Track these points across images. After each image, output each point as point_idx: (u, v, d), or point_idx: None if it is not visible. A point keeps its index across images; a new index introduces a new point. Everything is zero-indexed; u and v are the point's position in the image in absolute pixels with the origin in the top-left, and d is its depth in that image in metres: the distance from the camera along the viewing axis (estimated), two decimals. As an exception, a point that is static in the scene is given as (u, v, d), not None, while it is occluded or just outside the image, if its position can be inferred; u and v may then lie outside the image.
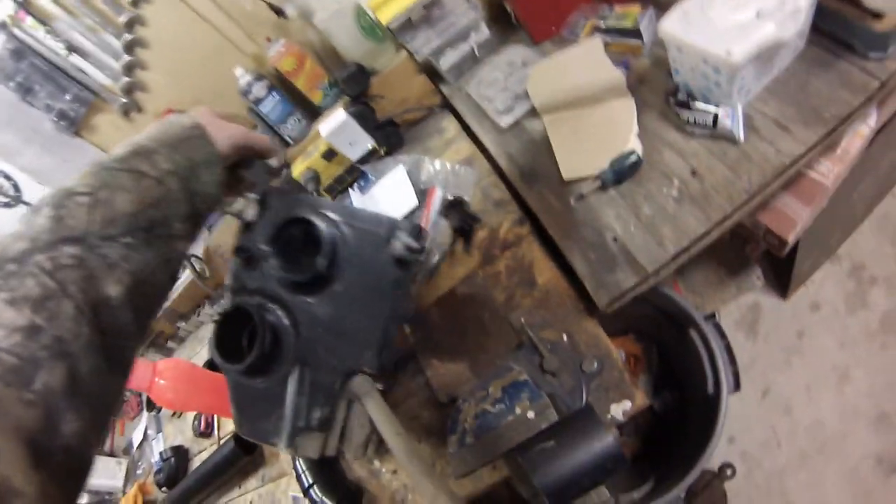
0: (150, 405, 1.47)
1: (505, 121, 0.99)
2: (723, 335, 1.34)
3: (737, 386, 1.37)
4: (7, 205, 1.37)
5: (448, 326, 0.68)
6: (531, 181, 0.91)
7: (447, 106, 1.17)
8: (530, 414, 0.54)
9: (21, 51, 1.17)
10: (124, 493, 1.44)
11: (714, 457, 1.06)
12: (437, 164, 1.02)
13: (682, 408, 1.33)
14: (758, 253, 1.47)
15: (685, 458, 1.12)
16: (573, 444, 0.49)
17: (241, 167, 0.60)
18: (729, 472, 1.29)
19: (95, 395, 0.39)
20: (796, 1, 0.67)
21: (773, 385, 1.53)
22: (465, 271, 0.88)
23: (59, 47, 1.17)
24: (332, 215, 0.57)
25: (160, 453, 1.32)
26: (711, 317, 1.53)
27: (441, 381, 0.61)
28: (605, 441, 0.49)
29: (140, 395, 1.64)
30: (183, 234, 0.49)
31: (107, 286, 0.40)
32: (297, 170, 1.08)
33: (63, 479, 0.35)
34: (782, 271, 1.51)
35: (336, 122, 1.03)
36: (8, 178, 1.34)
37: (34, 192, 1.35)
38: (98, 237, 0.41)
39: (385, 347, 0.54)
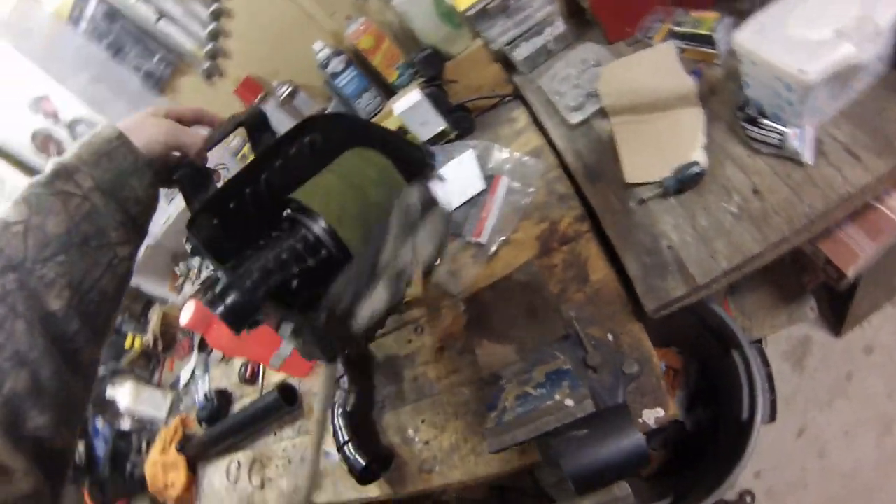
0: (202, 347, 1.55)
1: (575, 118, 1.00)
2: (766, 363, 1.32)
3: (772, 416, 1.34)
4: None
5: (501, 309, 0.70)
6: (595, 180, 0.92)
7: (518, 96, 1.18)
8: (568, 402, 0.55)
9: (113, 13, 1.26)
10: (167, 423, 1.54)
11: (737, 486, 1.05)
12: (506, 152, 1.04)
13: (714, 428, 1.32)
14: (815, 283, 1.42)
15: (708, 480, 1.12)
16: (604, 436, 0.51)
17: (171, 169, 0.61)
18: (749, 499, 1.27)
19: (58, 393, 0.45)
20: (878, 22, 0.65)
21: (811, 424, 1.47)
22: (525, 258, 0.90)
23: (150, 13, 1.25)
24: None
25: (205, 393, 1.40)
26: (758, 342, 1.50)
27: (488, 359, 0.64)
28: (634, 438, 0.51)
29: (192, 336, 1.74)
30: (122, 240, 0.53)
31: (49, 302, 0.46)
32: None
33: (42, 463, 0.43)
34: (838, 306, 1.45)
35: (410, 102, 1.06)
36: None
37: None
38: (33, 261, 0.46)
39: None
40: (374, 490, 0.89)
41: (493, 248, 0.94)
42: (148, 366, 1.73)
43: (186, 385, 1.58)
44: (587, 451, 0.50)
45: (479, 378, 0.78)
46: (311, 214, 0.57)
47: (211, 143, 0.64)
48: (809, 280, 1.41)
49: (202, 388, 1.50)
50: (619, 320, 0.79)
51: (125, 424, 1.59)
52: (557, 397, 0.57)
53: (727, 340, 1.20)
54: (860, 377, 1.46)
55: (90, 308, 0.50)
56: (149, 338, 1.67)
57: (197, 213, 0.58)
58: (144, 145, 0.55)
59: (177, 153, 0.60)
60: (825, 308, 1.50)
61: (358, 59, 1.26)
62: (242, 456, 1.23)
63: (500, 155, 1.04)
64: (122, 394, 1.54)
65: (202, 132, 0.66)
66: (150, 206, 0.57)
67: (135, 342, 1.69)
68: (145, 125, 0.57)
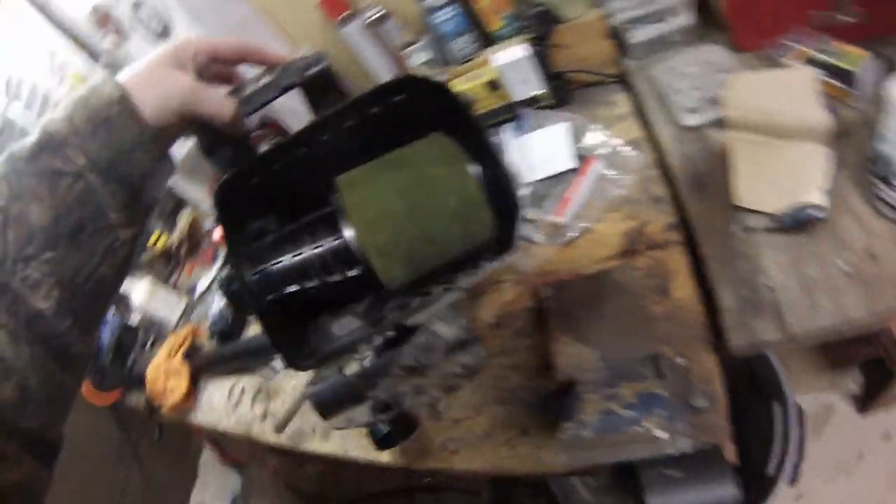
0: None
1: (689, 120, 0.92)
2: (803, 424, 1.26)
3: (794, 479, 1.29)
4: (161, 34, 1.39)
5: (591, 307, 0.64)
6: (699, 191, 0.84)
7: (622, 81, 1.09)
8: (660, 433, 0.50)
9: None
10: (176, 328, 1.50)
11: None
12: (603, 135, 0.96)
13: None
14: (866, 356, 1.36)
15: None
16: (699, 482, 0.45)
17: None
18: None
19: (49, 396, 0.41)
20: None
21: (810, 494, 1.43)
22: (605, 252, 0.83)
23: None
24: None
25: (220, 309, 1.35)
26: (794, 401, 1.44)
27: (566, 359, 0.59)
28: (727, 491, 0.46)
29: (217, 247, 1.69)
30: (124, 222, 0.44)
31: (35, 303, 0.39)
32: (455, 89, 1.04)
33: (34, 451, 0.39)
34: (874, 385, 1.40)
35: (514, 56, 0.98)
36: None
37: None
38: (14, 261, 0.38)
39: None
40: (385, 456, 0.84)
41: (573, 234, 0.87)
42: (167, 266, 1.69)
43: (203, 295, 1.54)
44: (678, 494, 0.44)
45: (537, 369, 0.73)
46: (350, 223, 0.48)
47: (248, 110, 0.51)
48: (862, 352, 1.35)
49: (218, 302, 1.45)
50: (693, 347, 0.72)
51: (134, 319, 1.56)
52: (648, 425, 0.51)
53: (770, 390, 1.14)
54: (870, 459, 1.43)
55: (85, 301, 0.43)
56: (174, 239, 1.63)
57: (223, 184, 0.50)
58: (153, 111, 0.44)
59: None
60: (861, 382, 1.45)
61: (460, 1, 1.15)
62: (248, 381, 1.19)
63: (596, 137, 0.97)
64: (138, 290, 1.51)
65: (252, 72, 0.53)
66: (162, 176, 0.48)
67: (159, 240, 1.65)
68: (159, 80, 0.45)
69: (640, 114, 1.01)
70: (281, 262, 0.52)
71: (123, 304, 1.58)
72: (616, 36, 1.09)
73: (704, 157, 0.88)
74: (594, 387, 0.59)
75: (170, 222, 1.68)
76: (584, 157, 0.94)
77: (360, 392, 0.58)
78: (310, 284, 0.53)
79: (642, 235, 0.83)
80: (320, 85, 0.51)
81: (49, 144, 0.40)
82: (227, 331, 1.29)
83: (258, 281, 0.52)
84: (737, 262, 0.76)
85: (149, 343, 1.58)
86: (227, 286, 0.55)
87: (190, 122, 0.48)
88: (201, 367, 1.31)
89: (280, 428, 0.85)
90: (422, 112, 0.51)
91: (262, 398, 1.12)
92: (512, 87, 1.02)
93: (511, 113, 1.07)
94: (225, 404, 1.21)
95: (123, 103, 0.42)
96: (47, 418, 0.41)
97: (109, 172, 0.42)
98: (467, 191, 0.47)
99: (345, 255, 0.50)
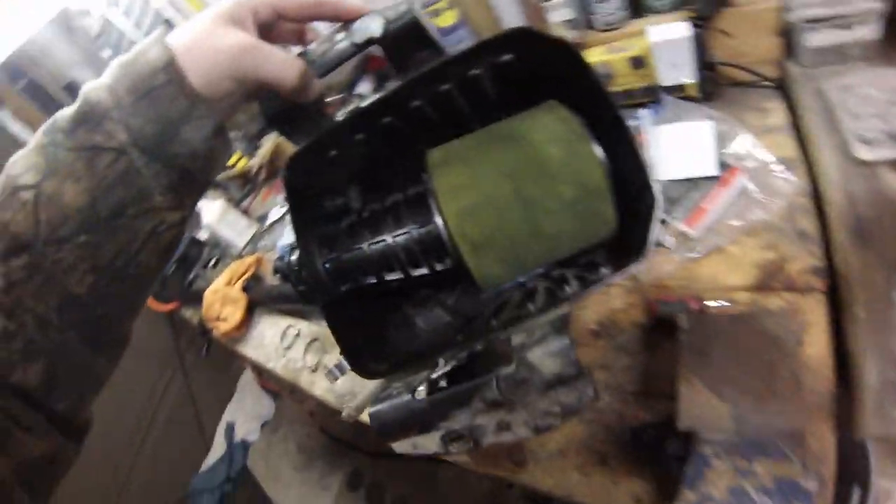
0: None
1: (863, 152, 0.77)
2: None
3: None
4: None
5: (732, 351, 0.54)
6: (861, 241, 0.71)
7: (781, 87, 0.94)
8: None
9: None
10: (241, 255, 1.48)
11: None
12: (752, 144, 0.82)
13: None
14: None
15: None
16: None
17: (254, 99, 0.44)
18: None
19: (79, 379, 0.40)
20: None
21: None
22: (736, 281, 0.72)
23: None
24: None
25: (291, 244, 1.31)
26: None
27: (693, 407, 0.50)
28: None
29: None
30: (171, 205, 0.38)
31: (69, 286, 0.36)
32: (592, 58, 0.92)
33: (61, 426, 0.38)
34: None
35: (674, 35, 0.84)
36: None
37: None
38: (45, 243, 0.35)
39: None
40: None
41: (701, 250, 0.75)
42: (242, 188, 1.67)
43: (273, 224, 1.50)
44: None
45: (633, 394, 0.64)
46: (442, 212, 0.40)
47: (320, 71, 0.43)
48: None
49: (289, 236, 1.41)
50: (814, 417, 0.61)
51: (202, 235, 1.55)
52: (783, 520, 0.42)
53: (855, 472, 1.01)
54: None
55: (123, 288, 0.40)
56: (254, 163, 1.59)
57: (294, 159, 0.43)
58: (204, 78, 0.37)
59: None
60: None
61: None
62: (305, 327, 1.14)
63: (744, 145, 0.83)
64: (210, 209, 1.48)
65: (321, 31, 0.45)
66: (216, 158, 0.41)
67: (239, 162, 1.61)
68: (211, 41, 0.38)
69: (798, 130, 0.86)
70: (359, 248, 0.46)
71: (194, 217, 1.57)
72: (787, 34, 0.93)
73: (874, 201, 0.74)
74: (724, 453, 0.49)
75: (252, 145, 1.64)
76: (727, 166, 0.81)
77: (431, 420, 0.51)
78: (391, 277, 0.47)
79: (781, 272, 0.71)
80: (406, 40, 0.43)
81: (89, 116, 0.35)
82: (289, 272, 1.24)
83: (330, 269, 0.47)
84: (892, 336, 0.63)
85: (212, 262, 1.57)
86: (293, 271, 0.47)
87: (251, 88, 0.41)
88: (259, 301, 1.29)
89: (352, 416, 0.79)
90: (535, 77, 0.42)
91: (316, 348, 1.08)
92: (661, 67, 0.89)
93: (650, 97, 0.93)
94: (277, 344, 1.17)
95: (169, 71, 0.36)
96: (75, 401, 0.40)
97: (154, 151, 0.36)
98: (590, 178, 0.38)
99: (434, 246, 0.43)
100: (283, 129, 0.47)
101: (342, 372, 0.88)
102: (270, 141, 1.60)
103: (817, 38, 0.89)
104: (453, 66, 0.41)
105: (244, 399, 2.55)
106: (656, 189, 0.36)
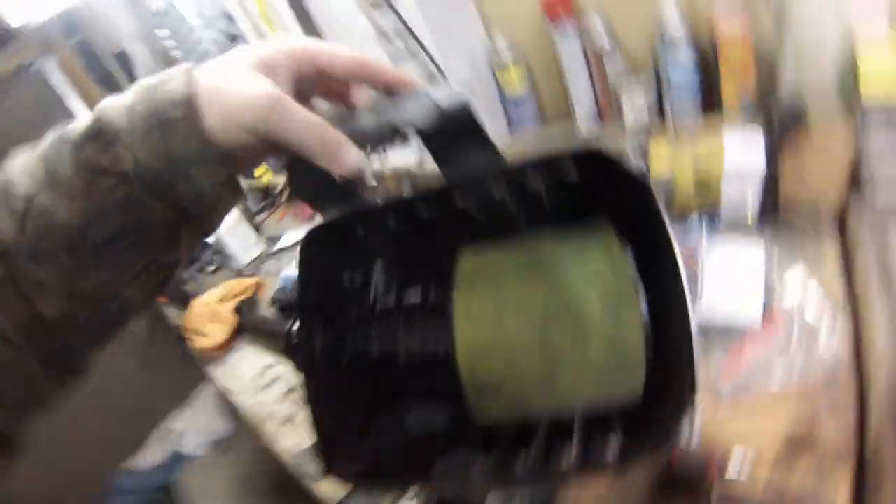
0: None
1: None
2: None
3: None
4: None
5: None
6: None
7: (841, 224, 0.88)
8: None
9: None
10: (242, 273, 1.40)
11: None
12: (801, 283, 0.75)
13: None
14: None
15: None
16: None
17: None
18: None
19: (25, 402, 0.36)
20: None
21: None
22: (759, 446, 0.63)
23: None
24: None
25: (293, 281, 1.24)
26: None
27: None
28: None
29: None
30: (167, 245, 0.34)
31: (39, 308, 0.33)
32: (657, 161, 0.86)
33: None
34: None
35: (748, 168, 0.79)
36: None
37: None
38: (26, 256, 0.32)
39: None
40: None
41: (730, 409, 0.68)
42: (261, 202, 1.61)
43: (282, 250, 1.43)
44: None
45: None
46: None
47: (361, 142, 0.36)
48: None
49: (295, 270, 1.34)
50: None
51: (209, 238, 1.48)
52: None
53: None
54: None
55: (98, 320, 0.36)
56: (280, 181, 1.54)
57: (314, 233, 0.40)
58: (221, 124, 0.32)
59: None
60: None
61: (703, 52, 0.93)
62: (289, 372, 1.06)
63: (793, 286, 0.77)
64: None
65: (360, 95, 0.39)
66: (223, 206, 0.36)
67: (264, 175, 1.56)
68: (236, 85, 0.33)
69: (850, 280, 0.80)
70: (362, 342, 0.42)
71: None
72: (859, 166, 0.87)
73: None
74: None
75: (282, 161, 1.59)
76: (771, 310, 0.74)
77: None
78: (386, 380, 0.43)
79: (808, 446, 0.64)
80: (455, 134, 0.35)
81: (101, 135, 0.31)
82: (289, 306, 1.17)
83: (326, 349, 0.42)
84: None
85: (212, 268, 1.50)
86: (289, 337, 0.42)
87: (273, 145, 0.35)
88: (248, 328, 1.20)
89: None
90: (591, 189, 0.36)
91: (294, 399, 0.99)
92: (728, 190, 0.83)
93: (706, 210, 0.87)
94: (252, 379, 1.09)
95: (187, 107, 0.32)
96: (13, 422, 0.36)
97: (157, 187, 0.32)
98: (627, 347, 0.33)
99: (439, 364, 0.40)
100: (308, 198, 0.41)
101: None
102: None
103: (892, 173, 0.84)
104: (510, 175, 0.36)
105: (199, 413, 2.42)
106: (698, 371, 0.29)
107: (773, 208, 0.87)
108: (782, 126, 0.87)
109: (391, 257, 0.45)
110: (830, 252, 0.83)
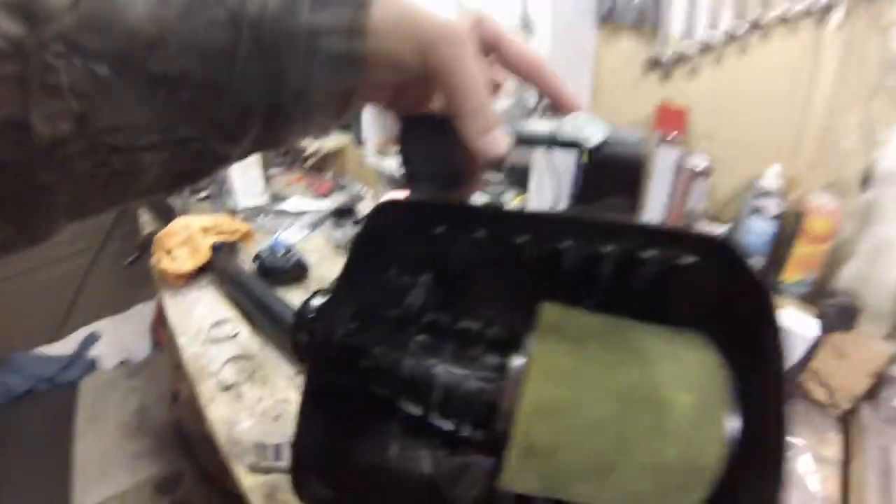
0: (347, 212, 1.32)
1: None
2: None
3: None
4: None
5: None
6: None
7: (846, 419, 0.87)
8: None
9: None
10: (234, 214, 1.33)
11: None
12: (809, 469, 0.75)
13: None
14: None
15: None
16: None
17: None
18: None
19: None
20: None
21: None
22: None
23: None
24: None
25: (288, 247, 1.17)
26: None
27: None
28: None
29: (342, 183, 1.52)
30: (228, 128, 0.25)
31: (33, 117, 0.21)
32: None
33: None
34: None
35: (802, 331, 0.78)
36: None
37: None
38: (56, 54, 0.21)
39: None
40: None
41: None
42: (282, 156, 1.54)
43: (283, 213, 1.37)
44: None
45: None
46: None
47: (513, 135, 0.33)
48: None
49: (290, 237, 1.28)
50: None
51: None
52: None
53: None
54: None
55: (92, 173, 0.24)
56: (311, 146, 1.48)
57: (399, 206, 0.33)
58: (391, 26, 0.27)
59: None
60: None
61: (787, 223, 0.95)
62: (246, 337, 0.99)
63: (802, 469, 0.75)
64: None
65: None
66: (318, 119, 0.29)
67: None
68: (433, 8, 0.28)
69: (847, 475, 0.78)
70: (397, 357, 0.35)
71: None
72: (879, 383, 0.87)
73: None
74: None
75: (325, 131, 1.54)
76: None
77: None
78: (408, 406, 0.36)
79: None
80: (611, 172, 0.33)
81: None
82: (274, 273, 1.10)
83: (345, 344, 0.36)
84: None
85: (203, 193, 1.42)
86: (304, 313, 0.37)
87: (421, 82, 0.30)
88: (216, 271, 1.13)
89: (256, 469, 0.63)
90: (696, 290, 0.33)
91: (241, 368, 0.92)
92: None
93: None
94: (202, 328, 1.01)
95: (356, 33, 0.26)
96: None
97: (264, 50, 0.24)
98: (704, 460, 0.29)
99: (479, 409, 0.34)
100: (410, 166, 0.35)
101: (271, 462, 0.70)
102: (346, 143, 1.50)
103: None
104: (634, 235, 0.32)
105: (125, 324, 2.31)
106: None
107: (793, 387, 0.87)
108: (834, 321, 0.87)
109: (455, 271, 0.39)
110: (833, 448, 0.82)
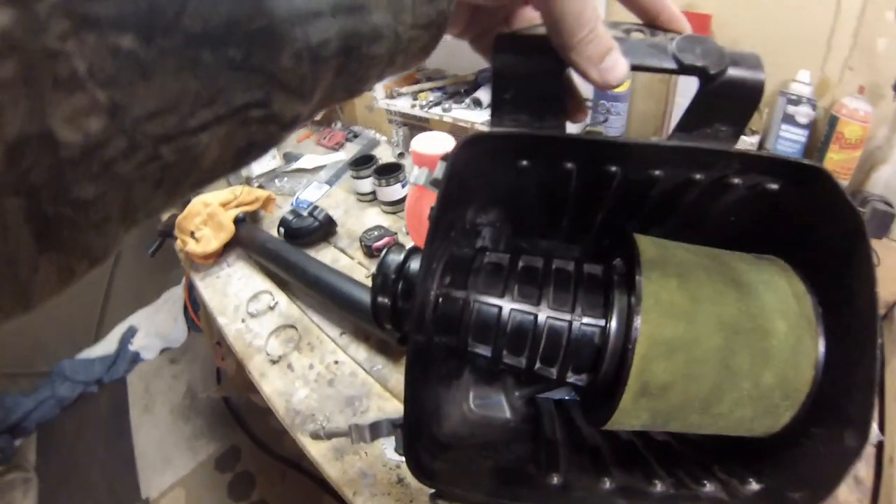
0: (366, 160, 1.23)
1: None
2: None
3: None
4: None
5: None
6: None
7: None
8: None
9: None
10: (250, 181, 1.27)
11: None
12: None
13: None
14: None
15: None
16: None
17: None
18: None
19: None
20: None
21: None
22: None
23: None
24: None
25: (311, 204, 1.11)
26: None
27: None
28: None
29: (353, 133, 1.45)
30: (294, 83, 0.19)
31: (53, 123, 0.15)
32: None
33: None
34: None
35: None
36: None
37: None
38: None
39: None
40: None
41: None
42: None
43: (299, 172, 1.31)
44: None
45: None
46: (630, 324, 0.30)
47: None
48: None
49: (313, 194, 1.22)
50: None
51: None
52: None
53: None
54: None
55: (141, 166, 0.17)
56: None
57: (486, 138, 0.30)
58: None
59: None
60: None
61: (818, 130, 0.90)
62: (286, 304, 0.94)
63: None
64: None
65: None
66: (406, 55, 0.23)
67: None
68: None
69: (881, 378, 0.73)
70: (495, 304, 0.34)
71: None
72: None
73: None
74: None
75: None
76: None
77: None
78: (507, 359, 0.35)
79: None
80: (730, 101, 0.29)
81: None
82: (302, 234, 1.05)
83: (441, 308, 0.34)
84: None
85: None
86: (395, 280, 0.36)
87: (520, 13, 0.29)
88: (243, 244, 1.08)
89: (317, 435, 0.61)
90: (780, 215, 0.33)
91: (287, 337, 0.88)
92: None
93: None
94: (241, 304, 0.97)
95: None
96: None
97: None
98: (797, 377, 0.30)
99: (583, 353, 0.33)
100: (505, 84, 0.29)
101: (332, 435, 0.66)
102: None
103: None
104: (730, 162, 0.31)
105: (159, 313, 2.30)
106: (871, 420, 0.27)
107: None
108: (867, 227, 0.81)
109: (530, 205, 0.37)
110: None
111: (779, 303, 0.31)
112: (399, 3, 0.21)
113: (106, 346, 2.20)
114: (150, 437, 1.90)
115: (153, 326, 2.25)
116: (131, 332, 2.23)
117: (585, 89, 1.01)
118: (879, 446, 0.61)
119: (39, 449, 1.93)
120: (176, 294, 2.30)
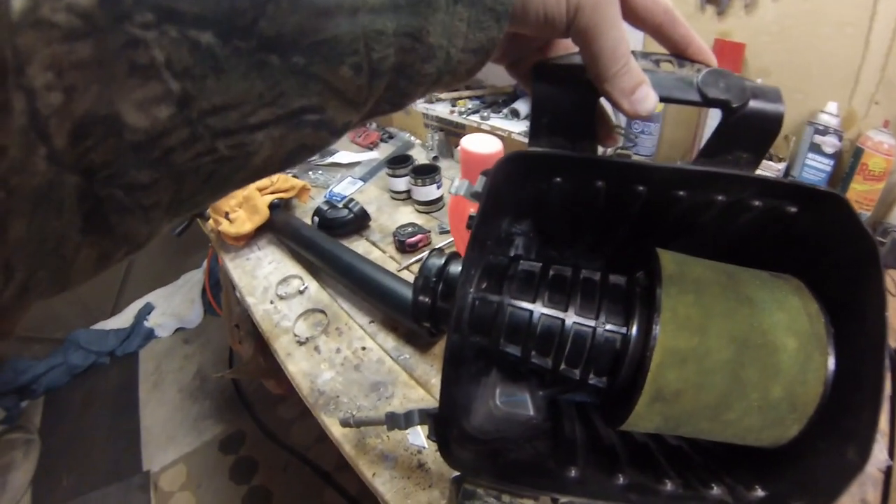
0: (402, 160, 1.25)
1: None
2: None
3: None
4: None
5: None
6: None
7: None
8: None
9: None
10: (286, 171, 1.31)
11: None
12: None
13: None
14: None
15: None
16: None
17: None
18: None
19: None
20: None
21: None
22: None
23: None
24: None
25: (348, 197, 1.14)
26: None
27: None
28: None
29: (384, 131, 1.48)
30: (349, 93, 0.21)
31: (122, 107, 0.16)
32: None
33: None
34: None
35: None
36: None
37: None
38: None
39: None
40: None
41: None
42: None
43: (333, 166, 1.34)
44: None
45: None
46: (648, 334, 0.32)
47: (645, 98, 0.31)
48: None
49: (346, 189, 1.25)
50: None
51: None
52: None
53: None
54: None
55: (195, 160, 0.19)
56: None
57: (526, 157, 0.33)
58: (533, 12, 0.25)
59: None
60: None
61: (844, 161, 0.92)
62: (315, 289, 0.97)
63: None
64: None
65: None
66: (452, 73, 0.25)
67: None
68: None
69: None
70: (526, 308, 0.37)
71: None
72: None
73: None
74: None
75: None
76: None
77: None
78: (535, 359, 0.37)
79: None
80: (751, 130, 0.32)
81: None
82: (336, 225, 1.08)
83: (476, 310, 0.37)
84: None
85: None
86: (436, 283, 0.40)
87: (558, 43, 0.32)
88: (276, 229, 1.11)
89: (347, 423, 0.63)
90: (795, 237, 0.36)
91: (315, 321, 0.91)
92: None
93: None
94: (270, 287, 1.00)
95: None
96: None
97: (405, 6, 0.21)
98: (805, 394, 0.32)
99: (602, 357, 0.36)
100: (543, 109, 0.32)
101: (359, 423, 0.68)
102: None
103: None
104: (750, 187, 0.34)
105: (177, 293, 2.34)
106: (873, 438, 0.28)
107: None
108: (888, 258, 0.88)
109: (561, 220, 0.40)
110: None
111: (790, 321, 0.33)
112: (454, 28, 0.23)
113: (122, 319, 2.24)
114: (156, 414, 1.93)
115: (170, 306, 2.28)
116: (147, 309, 2.27)
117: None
118: (888, 471, 0.63)
119: (45, 413, 1.96)
120: (195, 277, 2.34)
